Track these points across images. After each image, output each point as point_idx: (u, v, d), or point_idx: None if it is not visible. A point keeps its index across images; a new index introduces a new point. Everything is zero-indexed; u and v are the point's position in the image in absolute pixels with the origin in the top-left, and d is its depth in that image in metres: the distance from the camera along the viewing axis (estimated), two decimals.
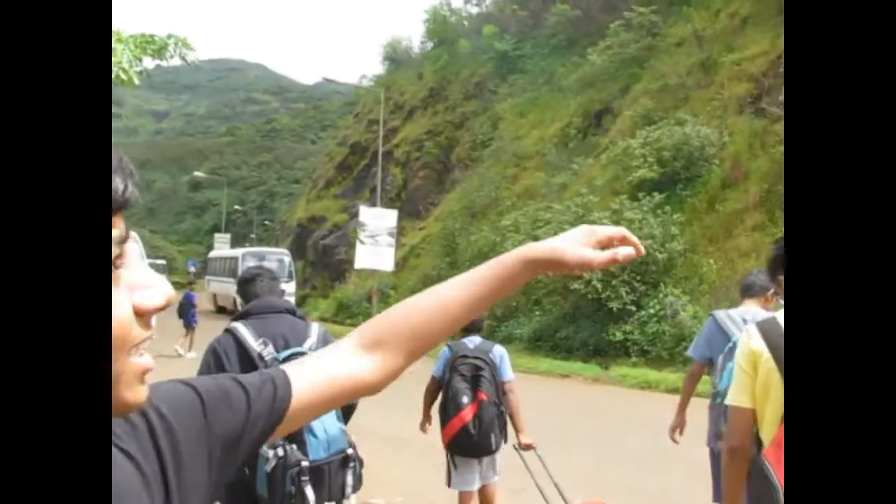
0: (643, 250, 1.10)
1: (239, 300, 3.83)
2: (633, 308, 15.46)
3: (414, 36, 42.59)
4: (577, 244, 1.03)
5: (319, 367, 1.01)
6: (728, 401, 2.77)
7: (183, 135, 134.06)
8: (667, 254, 15.80)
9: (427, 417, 5.12)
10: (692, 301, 14.80)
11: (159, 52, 9.29)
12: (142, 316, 0.68)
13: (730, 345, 4.07)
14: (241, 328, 3.27)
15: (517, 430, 4.85)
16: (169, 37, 9.14)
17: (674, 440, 4.82)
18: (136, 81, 8.34)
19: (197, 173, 73.76)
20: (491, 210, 23.88)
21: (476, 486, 4.79)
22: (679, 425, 4.78)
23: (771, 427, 2.52)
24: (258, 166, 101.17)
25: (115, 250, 0.64)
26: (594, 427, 9.59)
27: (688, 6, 23.38)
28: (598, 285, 15.41)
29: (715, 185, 17.40)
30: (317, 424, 3.20)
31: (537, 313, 18.40)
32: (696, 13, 22.90)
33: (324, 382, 0.98)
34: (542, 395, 11.03)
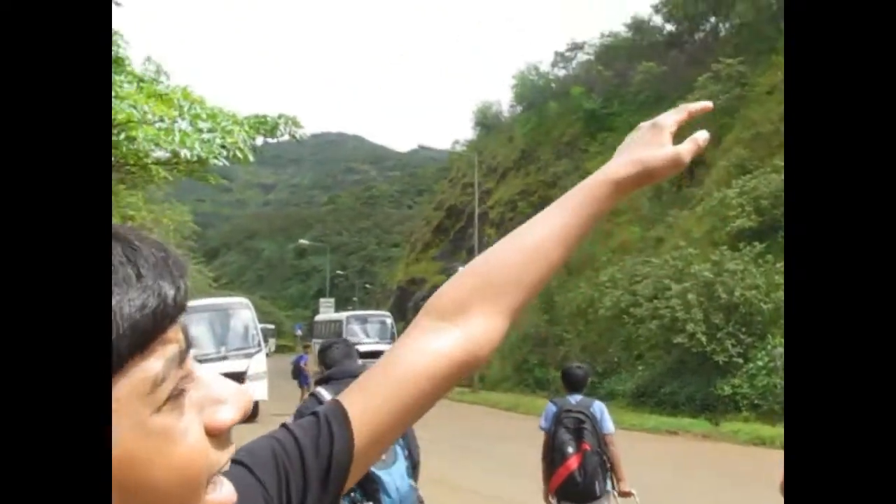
0: (710, 104, 1.04)
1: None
2: (741, 361, 14.84)
3: (503, 100, 43.10)
4: (656, 147, 0.93)
5: (388, 376, 0.81)
6: None
7: (289, 205, 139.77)
8: (772, 303, 15.13)
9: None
10: None
11: (271, 131, 9.83)
12: (216, 436, 0.55)
13: None
14: (323, 392, 3.49)
15: (618, 479, 5.03)
16: (280, 116, 9.67)
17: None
18: (251, 158, 8.83)
19: (302, 241, 76.29)
20: (587, 266, 23.65)
21: None
22: None
23: None
24: (358, 232, 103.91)
25: (175, 371, 0.52)
26: (709, 485, 9.17)
27: (776, 55, 22.94)
28: (703, 338, 14.90)
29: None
30: (389, 482, 3.28)
31: (640, 368, 17.95)
32: None
33: (400, 389, 0.79)
34: (652, 453, 10.68)
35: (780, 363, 13.89)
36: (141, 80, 8.30)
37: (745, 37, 25.16)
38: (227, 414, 0.55)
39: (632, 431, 14.26)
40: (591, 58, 35.38)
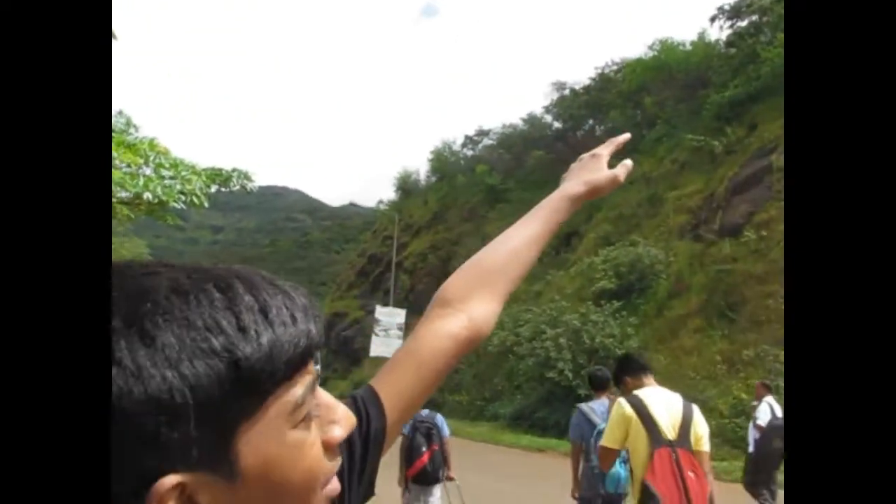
0: (627, 135, 1.14)
1: None
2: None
3: (422, 170, 43.59)
4: (597, 171, 1.02)
5: (410, 359, 0.83)
6: (602, 443, 3.64)
7: (235, 245, 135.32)
8: (624, 350, 15.71)
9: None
10: None
11: (225, 182, 9.57)
12: (329, 450, 0.56)
13: (597, 430, 4.64)
14: None
15: (448, 468, 5.94)
16: (234, 170, 9.45)
17: (574, 497, 5.31)
18: (206, 204, 8.58)
19: None
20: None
21: None
22: (575, 487, 5.26)
23: (637, 460, 3.40)
24: (293, 271, 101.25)
25: (310, 396, 0.53)
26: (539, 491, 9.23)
27: (637, 153, 24.27)
28: (570, 374, 15.27)
29: (662, 296, 17.53)
30: None
31: (518, 396, 18.12)
32: (645, 159, 23.74)
33: (421, 369, 0.81)
34: (522, 468, 10.70)
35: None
36: (112, 130, 8.02)
37: (614, 136, 26.44)
38: (338, 433, 0.56)
39: (511, 448, 14.38)
40: (494, 143, 36.37)
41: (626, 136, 1.12)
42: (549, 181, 18.88)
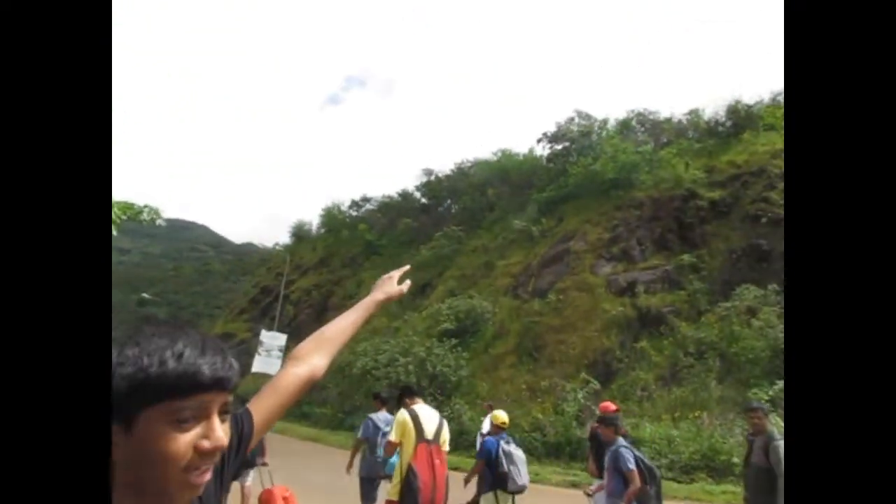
0: (408, 267, 1.45)
1: None
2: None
3: (314, 221, 42.43)
4: (391, 287, 1.33)
5: (273, 390, 1.05)
6: (389, 438, 4.37)
7: (139, 267, 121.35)
8: (457, 377, 16.05)
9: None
10: (470, 408, 14.86)
11: (136, 215, 8.73)
12: (200, 453, 0.70)
13: (382, 432, 5.62)
14: None
15: (263, 455, 6.07)
16: (145, 206, 8.66)
17: (348, 471, 5.97)
18: (115, 232, 7.77)
19: (144, 294, 66.28)
20: (351, 340, 23.20)
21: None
22: (350, 465, 5.99)
23: (407, 451, 4.14)
24: (192, 294, 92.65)
25: (191, 413, 0.69)
26: None
27: (480, 229, 25.48)
28: None
29: (488, 337, 18.15)
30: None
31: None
32: (484, 233, 24.99)
33: (280, 397, 1.04)
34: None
35: (456, 415, 14.51)
36: None
37: (464, 216, 27.58)
38: (206, 444, 0.70)
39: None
40: (374, 208, 36.42)
41: (406, 267, 1.43)
42: (414, 242, 19.28)
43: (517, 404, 14.38)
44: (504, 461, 4.92)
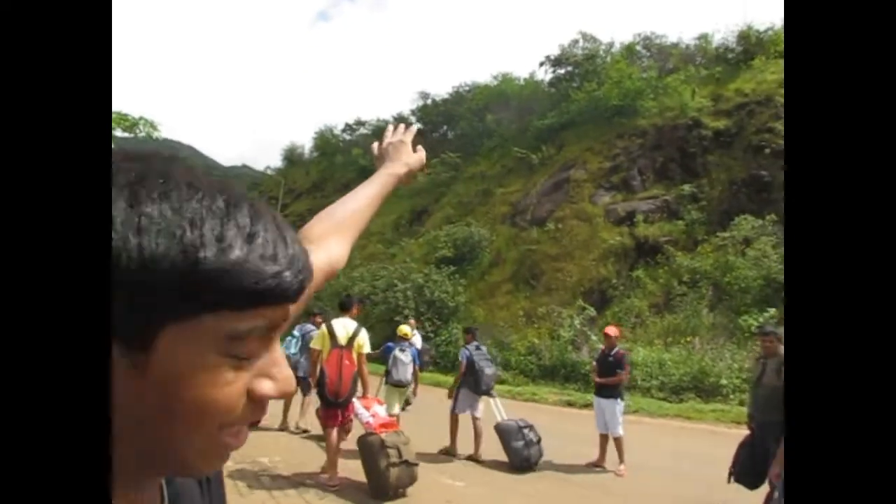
0: (416, 126, 1.17)
1: None
2: (433, 335, 15.74)
3: (306, 145, 41.47)
4: (409, 156, 1.06)
5: None
6: (311, 345, 5.37)
7: None
8: (455, 303, 16.42)
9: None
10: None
11: (131, 127, 8.45)
12: (254, 402, 0.42)
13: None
14: None
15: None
16: (140, 118, 8.35)
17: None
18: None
19: None
20: (346, 266, 23.47)
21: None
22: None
23: (323, 355, 5.11)
24: None
25: (253, 340, 0.40)
26: None
27: (479, 156, 25.09)
28: (413, 319, 15.60)
29: (485, 265, 18.43)
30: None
31: (370, 335, 18.11)
32: (483, 161, 24.64)
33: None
34: None
35: (453, 338, 15.01)
36: None
37: (462, 142, 27.07)
38: (268, 388, 0.42)
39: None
40: (369, 132, 35.51)
41: (414, 127, 1.14)
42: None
43: (514, 329, 14.89)
44: (390, 362, 6.58)
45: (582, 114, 21.22)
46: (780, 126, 16.28)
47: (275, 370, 0.42)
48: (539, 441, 6.24)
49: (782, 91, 17.15)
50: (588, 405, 8.61)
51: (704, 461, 5.95)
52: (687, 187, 16.56)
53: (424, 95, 32.62)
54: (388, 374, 6.65)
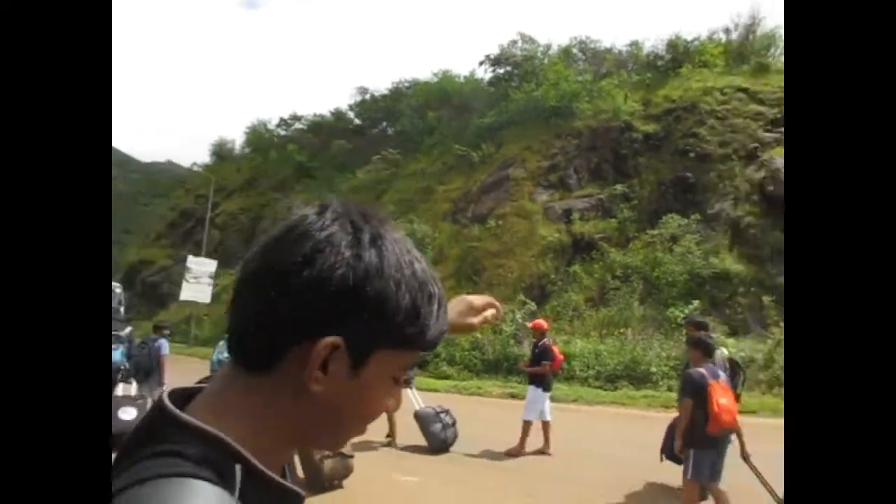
0: (502, 311, 1.07)
1: None
2: None
3: (237, 140, 39.84)
4: (469, 315, 0.99)
5: None
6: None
7: None
8: None
9: None
10: None
11: None
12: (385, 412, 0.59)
13: None
14: None
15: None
16: None
17: None
18: None
19: None
20: None
21: None
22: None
23: None
24: None
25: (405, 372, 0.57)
26: None
27: (419, 153, 25.18)
28: None
29: (428, 261, 18.59)
30: None
31: None
32: (424, 158, 24.76)
33: None
34: None
35: None
36: None
37: (402, 139, 27.05)
38: (392, 405, 0.58)
39: None
40: (305, 127, 34.76)
41: (501, 312, 1.07)
42: (349, 165, 18.98)
43: None
44: None
45: (521, 113, 21.83)
46: (703, 131, 17.56)
47: (398, 396, 0.59)
48: (454, 423, 6.74)
49: (706, 98, 18.51)
50: None
51: (637, 444, 6.39)
52: (619, 187, 17.49)
53: (363, 91, 32.39)
54: None
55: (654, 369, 11.44)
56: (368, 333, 0.51)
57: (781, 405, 9.49)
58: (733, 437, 4.31)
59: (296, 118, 36.04)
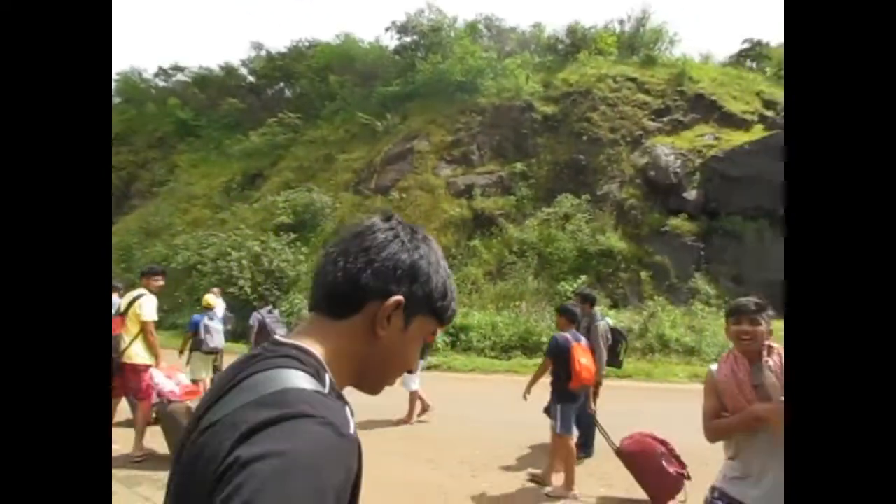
0: None
1: None
2: (272, 306, 15.12)
3: None
4: None
5: None
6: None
7: None
8: (296, 272, 15.93)
9: None
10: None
11: None
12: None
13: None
14: None
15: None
16: None
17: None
18: None
19: None
20: (164, 232, 21.03)
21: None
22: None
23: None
24: None
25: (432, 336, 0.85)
26: None
27: (320, 119, 24.17)
28: (249, 290, 14.78)
29: (328, 232, 18.04)
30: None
31: (197, 308, 16.63)
32: (325, 124, 23.83)
33: None
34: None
35: (296, 309, 14.63)
36: None
37: (301, 102, 25.75)
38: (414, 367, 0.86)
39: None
40: (189, 80, 31.71)
41: None
42: (241, 126, 17.89)
43: None
44: (202, 331, 7.00)
45: (427, 85, 21.74)
46: (596, 116, 18.77)
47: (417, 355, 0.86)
48: None
49: (600, 85, 19.73)
50: (432, 367, 9.23)
51: (531, 408, 6.91)
52: (519, 165, 18.23)
53: (258, 46, 30.21)
54: (200, 342, 7.01)
55: (545, 339, 12.29)
56: (416, 300, 0.77)
57: (654, 370, 10.73)
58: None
59: (178, 69, 32.73)
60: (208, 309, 7.43)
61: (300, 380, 0.64)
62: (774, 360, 2.22)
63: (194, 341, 7.12)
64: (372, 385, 0.81)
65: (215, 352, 7.27)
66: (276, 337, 0.74)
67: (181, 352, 7.64)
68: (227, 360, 7.94)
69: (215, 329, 7.18)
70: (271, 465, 0.52)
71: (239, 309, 15.26)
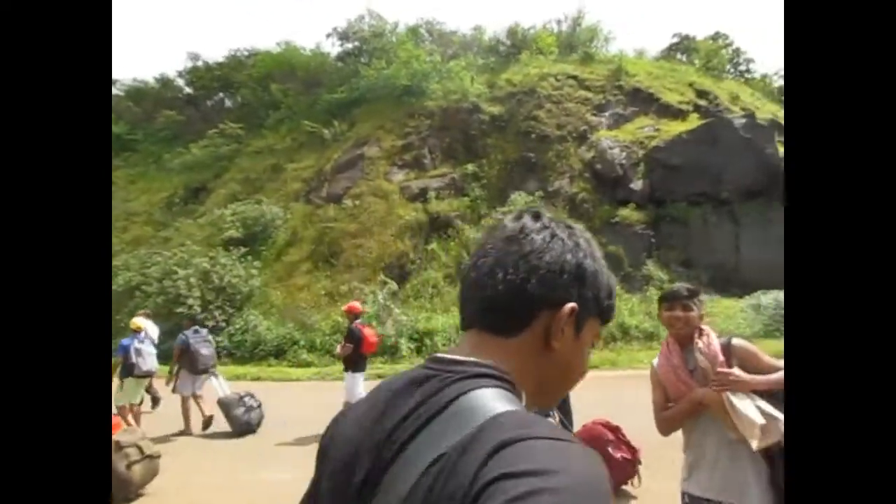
0: None
1: None
2: (224, 324, 14.57)
3: None
4: None
5: None
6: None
7: None
8: (248, 288, 15.41)
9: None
10: (266, 318, 14.65)
11: None
12: None
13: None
14: None
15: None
16: None
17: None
18: None
19: None
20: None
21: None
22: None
23: None
24: None
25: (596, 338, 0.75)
26: None
27: (264, 129, 23.54)
28: (199, 308, 14.14)
29: (281, 244, 17.62)
30: None
31: None
32: (270, 134, 23.21)
33: None
34: None
35: (251, 326, 14.12)
36: None
37: (244, 112, 25.00)
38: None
39: None
40: (122, 94, 30.16)
41: None
42: (180, 138, 17.26)
43: (316, 309, 14.68)
44: (133, 354, 6.78)
45: (372, 91, 21.57)
46: (542, 114, 19.15)
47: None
48: (259, 406, 7.17)
49: (543, 84, 20.17)
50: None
51: None
52: (470, 166, 18.35)
53: (195, 56, 29.11)
54: (132, 367, 6.77)
55: None
56: (586, 303, 0.71)
57: (618, 358, 11.00)
58: None
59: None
60: (137, 332, 7.18)
61: (508, 402, 0.60)
62: (704, 341, 2.21)
63: (124, 366, 6.79)
64: (550, 400, 0.75)
65: (149, 375, 7.06)
66: (443, 355, 0.67)
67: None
68: (157, 384, 7.91)
69: (147, 352, 6.98)
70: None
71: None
